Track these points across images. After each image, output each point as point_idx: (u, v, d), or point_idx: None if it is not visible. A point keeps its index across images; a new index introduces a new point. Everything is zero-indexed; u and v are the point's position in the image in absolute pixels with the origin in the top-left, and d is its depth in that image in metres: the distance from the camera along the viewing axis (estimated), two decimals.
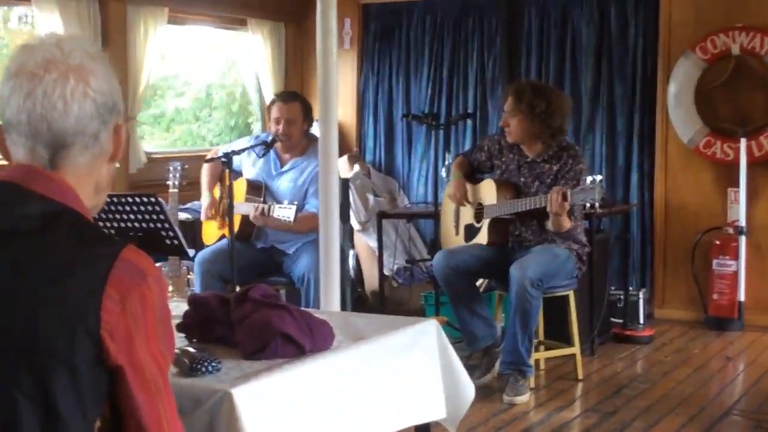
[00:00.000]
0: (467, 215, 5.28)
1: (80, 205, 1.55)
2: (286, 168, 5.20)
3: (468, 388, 2.76)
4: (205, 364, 2.12)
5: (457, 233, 5.35)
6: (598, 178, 4.56)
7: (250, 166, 5.27)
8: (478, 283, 5.42)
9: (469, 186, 5.27)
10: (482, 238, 5.12)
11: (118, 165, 5.64)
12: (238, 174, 5.19)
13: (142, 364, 1.47)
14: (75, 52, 1.55)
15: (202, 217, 5.33)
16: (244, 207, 5.02)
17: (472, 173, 5.32)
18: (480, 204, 5.19)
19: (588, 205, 4.55)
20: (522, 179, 5.05)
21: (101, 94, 1.56)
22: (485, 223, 5.11)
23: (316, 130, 4.74)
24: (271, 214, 4.83)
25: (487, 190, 5.14)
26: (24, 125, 1.52)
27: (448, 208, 5.46)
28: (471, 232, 5.24)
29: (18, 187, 1.52)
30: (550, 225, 4.79)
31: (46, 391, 1.41)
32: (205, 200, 5.29)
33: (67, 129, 1.53)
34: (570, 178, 4.89)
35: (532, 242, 5.01)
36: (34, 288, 1.44)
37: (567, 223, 4.75)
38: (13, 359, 1.42)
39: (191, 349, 2.19)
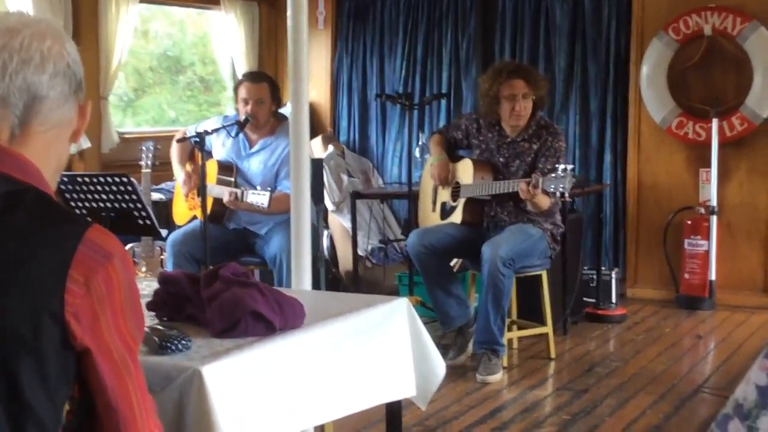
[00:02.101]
0: (444, 193, 5.29)
1: (43, 183, 1.53)
2: (255, 149, 5.18)
3: (438, 366, 2.77)
4: (175, 342, 2.12)
5: (434, 210, 5.36)
6: (570, 167, 4.59)
7: (219, 147, 5.25)
8: (452, 263, 5.44)
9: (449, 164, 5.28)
10: (456, 217, 5.13)
11: (90, 145, 5.60)
12: (209, 154, 5.17)
13: (109, 345, 1.46)
14: (48, 21, 1.56)
15: (182, 192, 5.27)
16: (216, 189, 5.00)
17: (449, 151, 5.33)
18: (457, 183, 5.20)
19: (558, 193, 4.58)
20: (501, 159, 5.07)
21: (73, 61, 1.56)
22: (460, 203, 5.13)
23: (288, 110, 4.73)
24: (244, 199, 4.81)
25: (464, 170, 5.14)
26: None
27: (426, 184, 5.46)
28: (446, 210, 5.26)
29: None
30: (530, 207, 4.82)
31: (10, 374, 1.39)
32: (179, 176, 5.25)
33: (42, 82, 1.51)
34: (550, 156, 4.93)
35: (507, 223, 5.03)
36: None
37: (544, 203, 4.77)
38: None
39: (161, 327, 2.18)
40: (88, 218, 4.28)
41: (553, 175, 4.59)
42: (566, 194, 4.58)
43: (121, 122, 6.88)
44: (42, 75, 1.51)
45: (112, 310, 1.46)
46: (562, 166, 4.58)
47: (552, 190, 4.57)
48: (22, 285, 1.40)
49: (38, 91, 1.51)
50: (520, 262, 4.87)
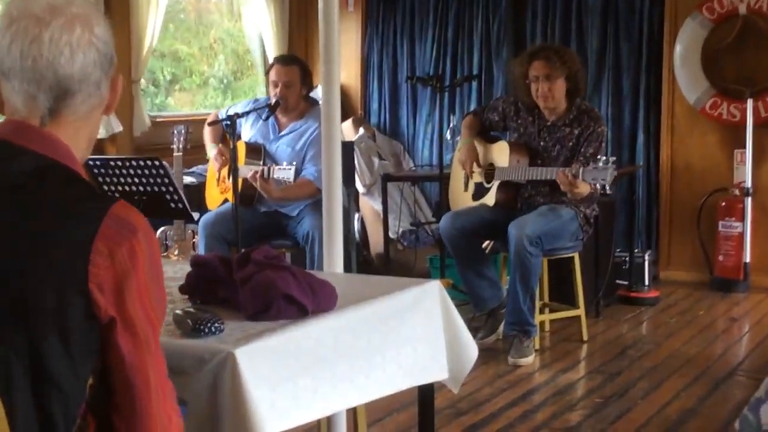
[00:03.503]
0: (477, 175, 5.27)
1: (72, 161, 1.54)
2: (284, 132, 5.18)
3: (471, 349, 2.76)
4: (208, 324, 2.12)
5: (466, 189, 5.33)
6: (612, 159, 4.54)
7: (248, 129, 5.26)
8: (483, 245, 5.43)
9: (481, 145, 5.25)
10: (489, 199, 5.11)
11: (121, 128, 5.63)
12: (238, 137, 5.17)
13: (132, 317, 1.46)
14: (76, 3, 1.54)
15: (215, 167, 5.25)
16: (245, 170, 5.01)
17: (484, 132, 5.31)
18: (491, 164, 5.17)
19: (599, 185, 4.52)
20: (542, 143, 5.03)
21: (104, 44, 1.55)
22: (494, 185, 5.10)
23: (319, 94, 4.71)
24: (271, 176, 4.81)
25: (500, 152, 5.12)
26: (29, 71, 1.50)
27: (458, 165, 5.44)
28: (480, 191, 5.23)
29: (9, 144, 1.50)
30: (569, 195, 4.77)
31: (35, 345, 1.40)
32: (212, 151, 5.24)
33: (73, 76, 1.51)
34: (593, 140, 4.89)
35: (541, 204, 5.01)
36: (23, 243, 1.42)
37: (584, 190, 4.70)
38: (3, 316, 1.41)
39: (194, 310, 2.19)
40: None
41: (594, 166, 4.55)
42: (607, 187, 4.52)
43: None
44: (73, 68, 1.51)
45: (136, 284, 1.46)
46: (603, 158, 4.54)
47: (592, 181, 4.53)
48: (48, 257, 1.42)
49: (69, 86, 1.52)
50: (549, 242, 4.84)
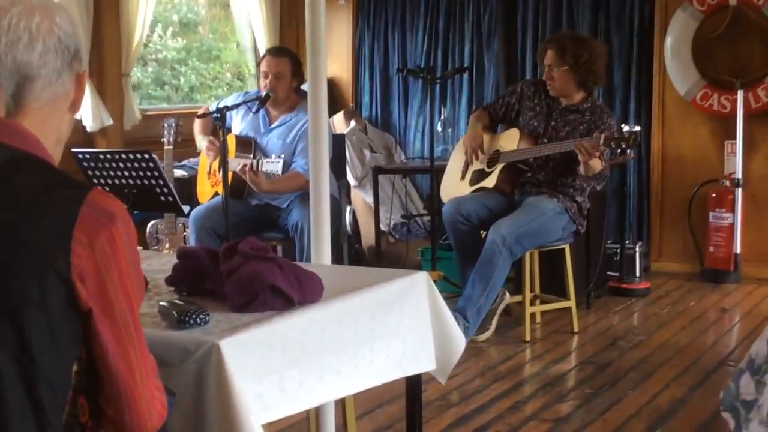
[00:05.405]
0: (479, 161, 5.29)
1: (42, 151, 1.55)
2: (275, 125, 5.17)
3: (458, 341, 2.76)
4: (194, 316, 2.12)
5: (462, 177, 5.34)
6: (637, 128, 4.65)
7: (238, 122, 5.25)
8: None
9: (487, 135, 5.29)
10: (490, 181, 5.14)
11: (112, 122, 5.59)
12: (229, 130, 5.16)
13: (113, 307, 1.49)
14: None
15: (208, 156, 5.18)
16: (235, 163, 5.00)
17: (492, 125, 5.37)
18: (497, 150, 5.20)
19: (619, 150, 4.67)
20: (552, 123, 5.09)
21: (65, 34, 1.56)
22: (497, 168, 5.13)
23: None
24: (260, 169, 4.80)
25: (509, 138, 5.18)
26: None
27: (458, 155, 5.45)
28: (478, 176, 5.25)
29: None
30: (581, 169, 4.81)
31: (22, 337, 1.42)
32: (202, 142, 5.22)
33: (31, 61, 1.53)
34: (605, 129, 4.94)
35: (543, 183, 5.05)
36: (2, 235, 1.43)
37: (598, 165, 4.80)
38: None
39: (180, 302, 2.19)
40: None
41: (616, 135, 4.65)
42: (629, 151, 4.69)
43: None
44: (31, 54, 1.52)
45: (118, 272, 1.48)
46: (626, 128, 4.65)
47: (613, 144, 4.64)
48: (28, 246, 1.43)
49: (29, 72, 1.53)
50: (533, 242, 4.91)
